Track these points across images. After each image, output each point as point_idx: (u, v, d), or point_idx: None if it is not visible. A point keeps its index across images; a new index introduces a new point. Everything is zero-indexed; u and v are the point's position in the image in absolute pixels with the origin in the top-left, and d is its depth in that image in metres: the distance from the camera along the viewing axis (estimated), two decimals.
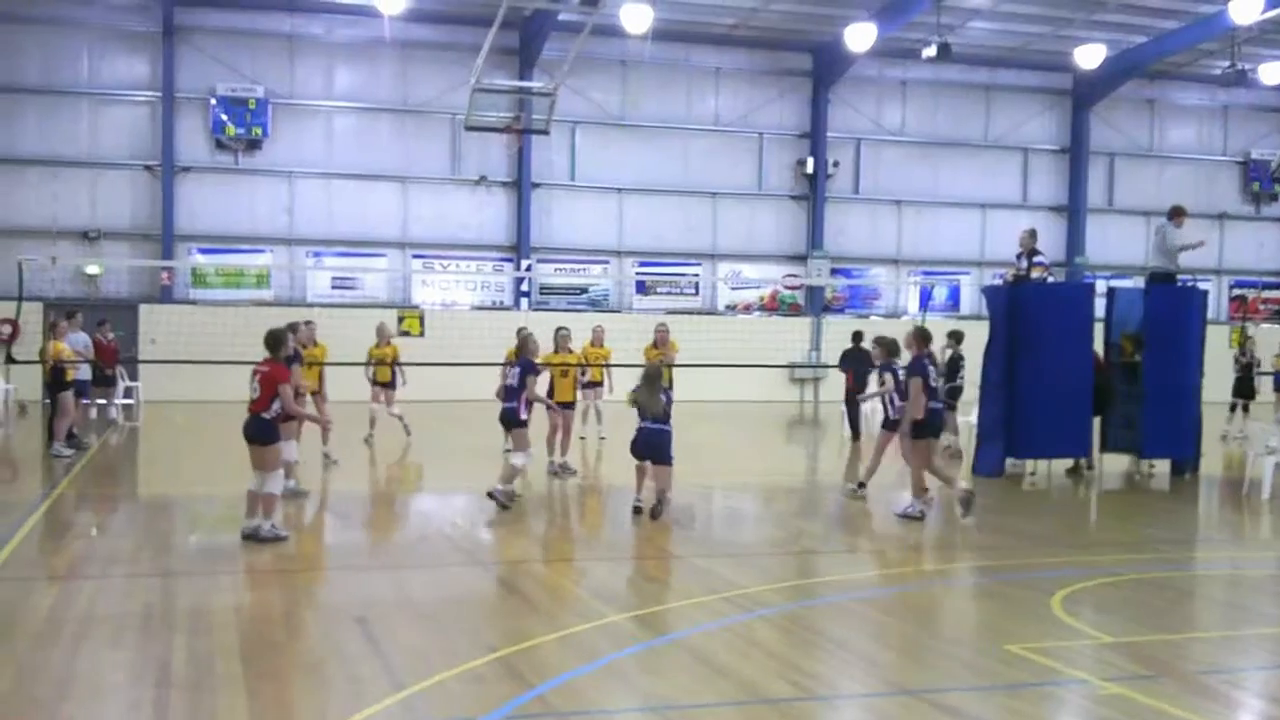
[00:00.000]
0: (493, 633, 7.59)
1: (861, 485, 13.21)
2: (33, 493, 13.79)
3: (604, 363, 18.74)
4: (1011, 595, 8.96)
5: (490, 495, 12.17)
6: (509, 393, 12.73)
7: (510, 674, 6.58)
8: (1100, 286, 16.96)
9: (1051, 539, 11.69)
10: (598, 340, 18.88)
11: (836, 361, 20.63)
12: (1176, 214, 16.06)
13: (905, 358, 12.63)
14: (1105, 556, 11.01)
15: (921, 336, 12.48)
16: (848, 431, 20.19)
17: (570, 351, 15.83)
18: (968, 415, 17.60)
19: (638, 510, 11.87)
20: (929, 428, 12.22)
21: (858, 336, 20.18)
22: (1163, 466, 16.15)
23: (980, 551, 10.99)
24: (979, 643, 7.55)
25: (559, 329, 15.83)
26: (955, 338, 18.03)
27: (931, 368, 12.41)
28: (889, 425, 12.81)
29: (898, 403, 12.47)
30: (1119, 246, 33.69)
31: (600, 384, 18.99)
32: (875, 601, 8.74)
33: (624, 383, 18.75)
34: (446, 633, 7.64)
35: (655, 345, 17.74)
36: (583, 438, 18.61)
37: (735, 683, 6.56)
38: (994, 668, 6.88)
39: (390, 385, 17.97)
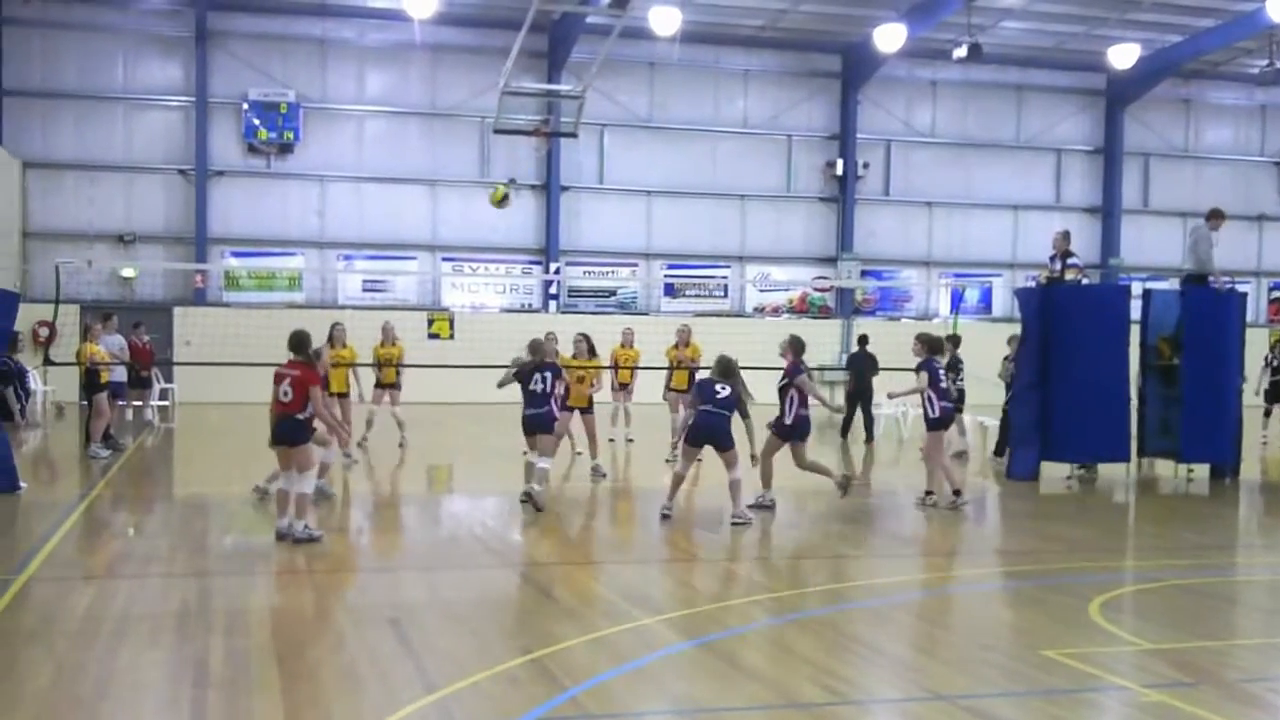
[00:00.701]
0: (525, 634, 7.58)
1: (957, 493, 12.94)
2: (70, 493, 13.88)
3: (633, 365, 18.73)
4: (1048, 600, 8.85)
5: (527, 496, 12.27)
6: (537, 399, 12.68)
7: (543, 676, 6.57)
8: (1136, 289, 16.80)
9: (1089, 543, 11.57)
10: (628, 342, 18.89)
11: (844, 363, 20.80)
12: (1214, 217, 15.88)
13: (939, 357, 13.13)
14: (1144, 561, 10.99)
15: (927, 342, 12.98)
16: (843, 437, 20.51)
17: (594, 356, 15.80)
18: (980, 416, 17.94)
19: (666, 517, 11.72)
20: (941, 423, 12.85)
21: (864, 340, 20.54)
22: (1202, 471, 15.99)
23: (1016, 556, 10.91)
24: (1015, 648, 7.45)
25: (578, 336, 15.87)
26: (953, 341, 17.74)
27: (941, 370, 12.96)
28: (933, 425, 12.90)
29: (937, 401, 12.67)
30: (1154, 248, 33.42)
31: (629, 386, 19.00)
32: (909, 606, 8.68)
33: (650, 385, 18.84)
34: (479, 634, 7.64)
35: (676, 346, 17.78)
36: (611, 440, 18.61)
37: (767, 687, 6.52)
38: (1031, 673, 6.79)
39: (395, 386, 17.88)
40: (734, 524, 11.46)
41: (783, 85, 32.13)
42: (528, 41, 20.87)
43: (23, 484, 13.21)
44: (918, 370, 12.92)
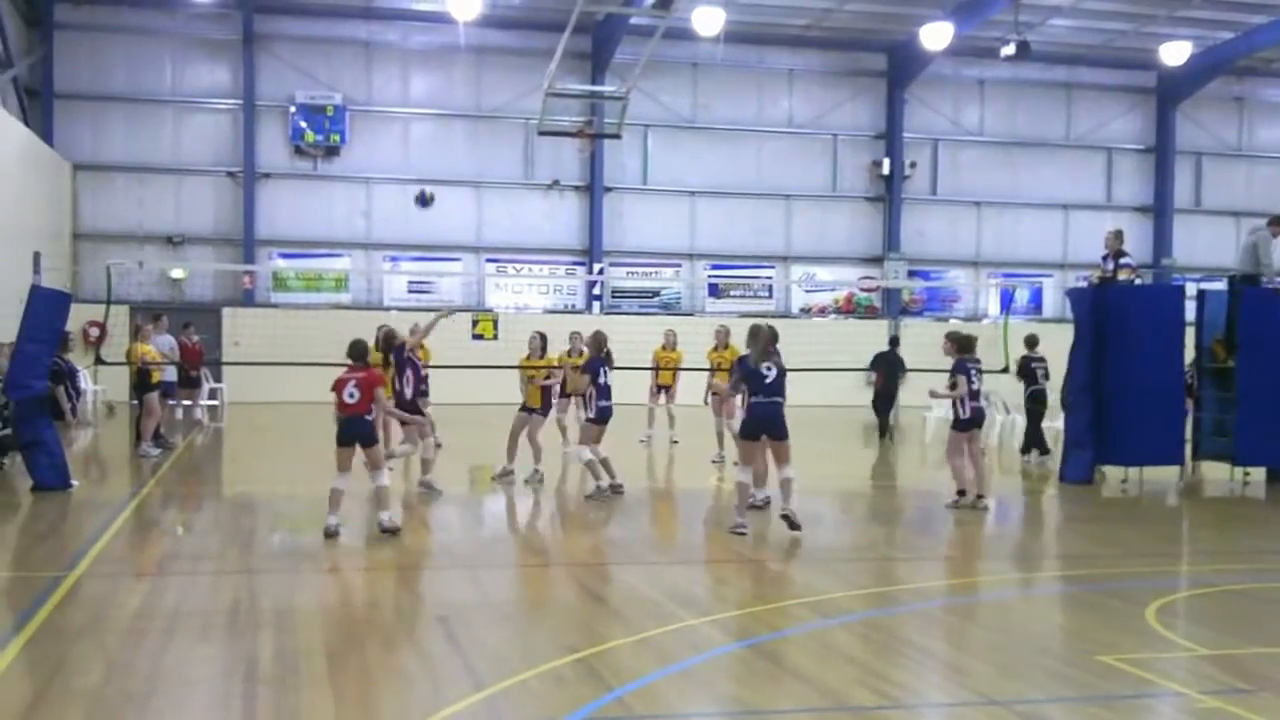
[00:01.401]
0: (571, 634, 7.57)
1: (980, 497, 12.96)
2: (121, 491, 14.02)
3: (675, 366, 18.65)
4: (1102, 605, 8.75)
5: (607, 490, 12.89)
6: (607, 392, 13.18)
7: (590, 675, 6.55)
8: (1189, 289, 16.58)
9: (1144, 547, 11.44)
10: (669, 344, 18.80)
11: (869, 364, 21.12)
12: (1277, 223, 15.60)
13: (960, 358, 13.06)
14: (1200, 566, 10.86)
15: (958, 342, 13.00)
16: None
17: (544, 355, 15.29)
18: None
19: (741, 533, 11.04)
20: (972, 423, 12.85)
21: (894, 341, 20.92)
22: (1258, 474, 15.78)
23: (1070, 560, 10.79)
24: (1070, 653, 7.37)
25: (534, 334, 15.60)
26: (1028, 343, 17.92)
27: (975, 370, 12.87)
28: (960, 426, 12.87)
29: (968, 402, 12.73)
30: (1207, 248, 32.98)
31: (671, 387, 18.90)
32: (960, 609, 8.59)
33: (690, 387, 18.76)
34: (526, 633, 7.67)
35: (716, 348, 17.42)
36: (642, 441, 18.85)
37: (816, 689, 6.46)
38: (1085, 679, 6.70)
39: (424, 392, 17.71)
40: (783, 517, 10.97)
41: (828, 84, 31.99)
42: (571, 43, 20.98)
43: (74, 482, 13.39)
44: (953, 372, 12.90)
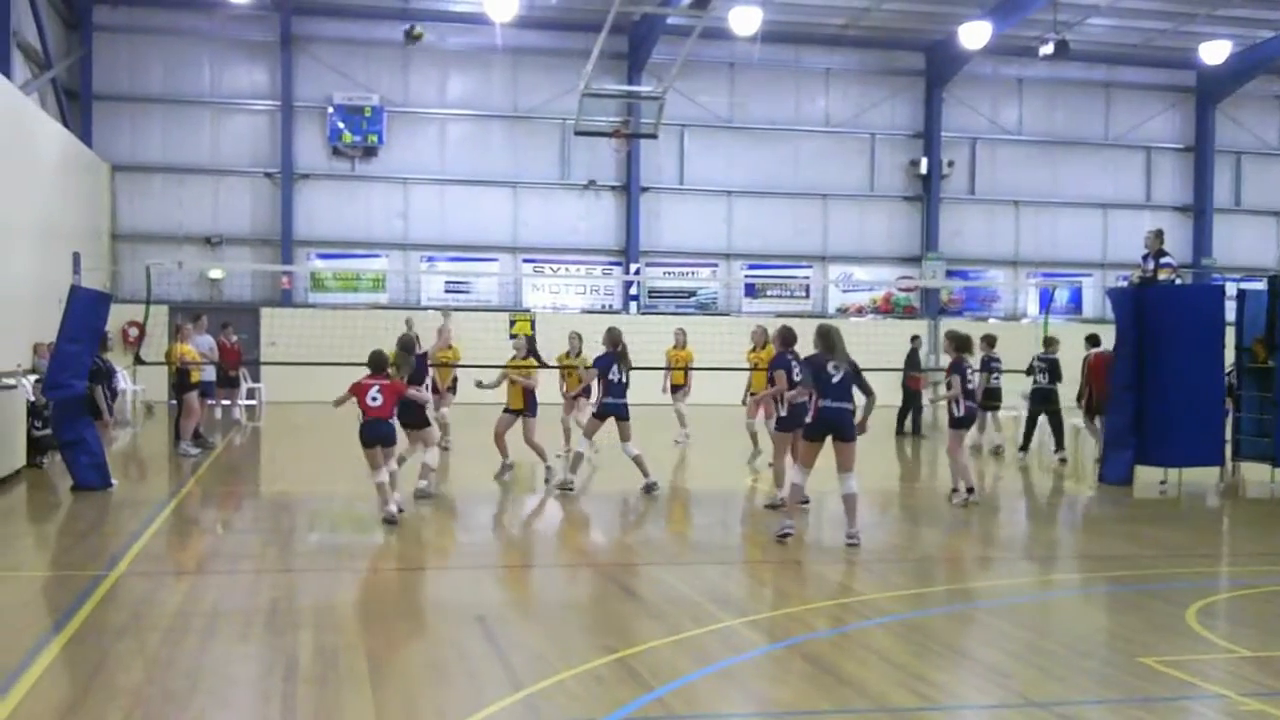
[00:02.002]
0: (609, 634, 7.58)
1: (970, 490, 13.18)
2: (161, 491, 14.16)
3: (686, 365, 18.58)
4: (1143, 606, 8.69)
5: (571, 486, 13.33)
6: (618, 389, 13.39)
7: (629, 675, 6.56)
8: (1229, 289, 16.41)
9: (1184, 549, 11.34)
10: (680, 343, 18.72)
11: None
12: None
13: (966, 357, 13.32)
14: (1241, 567, 10.76)
15: (956, 341, 13.23)
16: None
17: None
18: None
19: (786, 537, 10.89)
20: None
21: (916, 339, 21.55)
22: None
23: (1109, 561, 10.70)
24: (1110, 655, 7.32)
25: (571, 334, 16.02)
26: (989, 341, 17.91)
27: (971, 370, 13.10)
28: (956, 424, 13.12)
29: (963, 401, 12.95)
30: (1247, 248, 32.70)
31: (683, 387, 18.82)
32: (1000, 611, 8.53)
33: (726, 387, 18.73)
34: (564, 633, 7.68)
35: (755, 349, 16.95)
36: (679, 440, 18.91)
37: (856, 691, 6.44)
38: (1126, 680, 6.67)
39: (451, 389, 17.66)
40: (849, 544, 10.62)
41: (865, 84, 31.90)
42: (608, 43, 21.00)
43: (113, 481, 13.51)
44: (949, 371, 13.10)
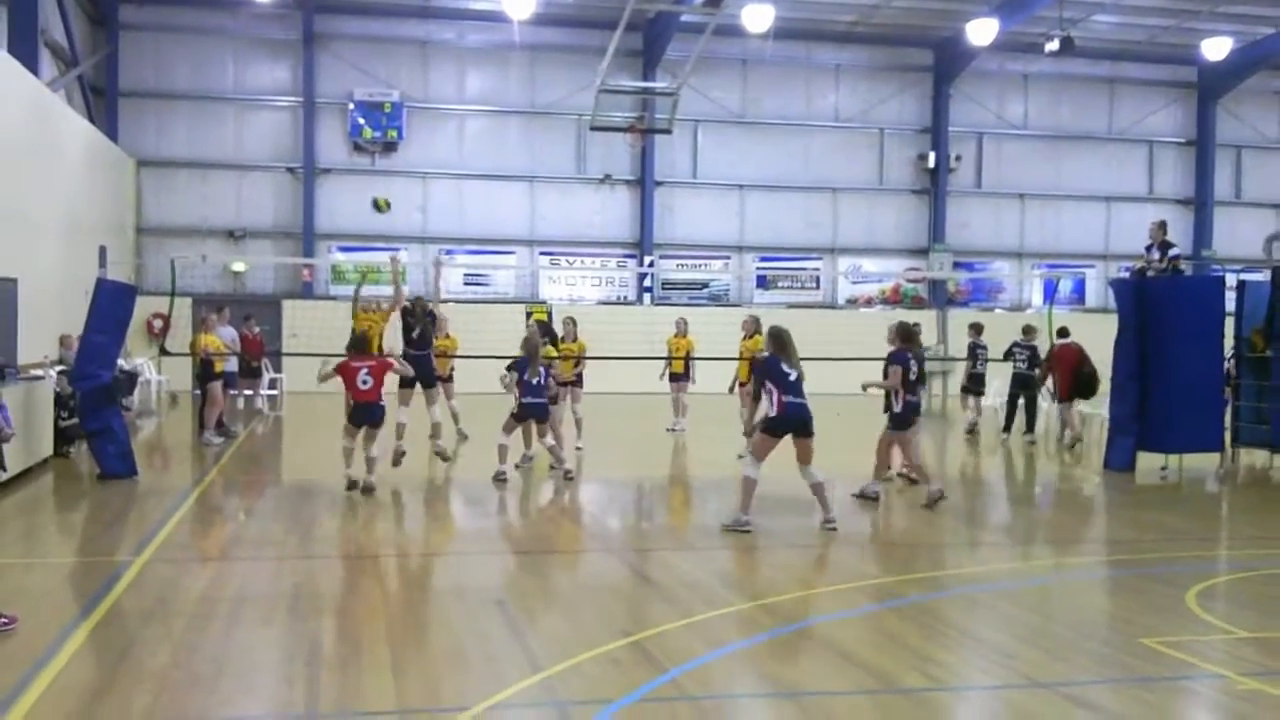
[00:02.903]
0: (625, 617, 7.68)
1: (876, 497, 12.78)
2: (184, 479, 14.31)
3: (687, 354, 18.64)
4: (1144, 589, 8.82)
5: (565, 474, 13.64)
6: (534, 389, 13.61)
7: (644, 658, 6.65)
8: (1229, 280, 16.58)
9: (1184, 533, 11.46)
10: (681, 331, 18.80)
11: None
12: None
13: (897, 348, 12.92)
14: (1239, 551, 10.85)
15: (901, 332, 12.65)
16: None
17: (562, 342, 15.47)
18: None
19: (831, 528, 11.00)
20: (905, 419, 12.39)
21: (915, 328, 20.92)
22: None
23: (1112, 545, 10.83)
24: (1112, 636, 7.43)
25: (564, 319, 15.91)
26: (976, 329, 19.44)
27: (914, 362, 12.43)
28: (895, 423, 12.60)
29: (903, 395, 12.44)
30: (1247, 240, 32.75)
31: (684, 376, 18.89)
32: (1006, 594, 8.63)
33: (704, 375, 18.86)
34: (581, 617, 7.75)
35: (747, 337, 17.18)
36: (671, 429, 19.03)
37: (866, 671, 6.54)
38: (1127, 661, 6.78)
39: (449, 379, 17.69)
40: (827, 529, 10.77)
41: (874, 80, 32.03)
42: (623, 40, 21.16)
43: (138, 470, 13.67)
44: (889, 363, 12.51)
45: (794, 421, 10.67)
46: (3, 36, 21.05)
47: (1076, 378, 17.89)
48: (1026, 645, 7.21)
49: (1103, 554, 10.54)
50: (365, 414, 12.25)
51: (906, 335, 12.71)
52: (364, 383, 11.78)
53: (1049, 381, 18.63)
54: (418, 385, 14.80)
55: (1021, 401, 19.03)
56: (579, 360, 16.48)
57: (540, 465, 14.83)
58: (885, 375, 12.53)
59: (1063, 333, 18.13)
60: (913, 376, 12.41)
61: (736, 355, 17.38)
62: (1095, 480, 15.07)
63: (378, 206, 14.99)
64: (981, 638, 7.42)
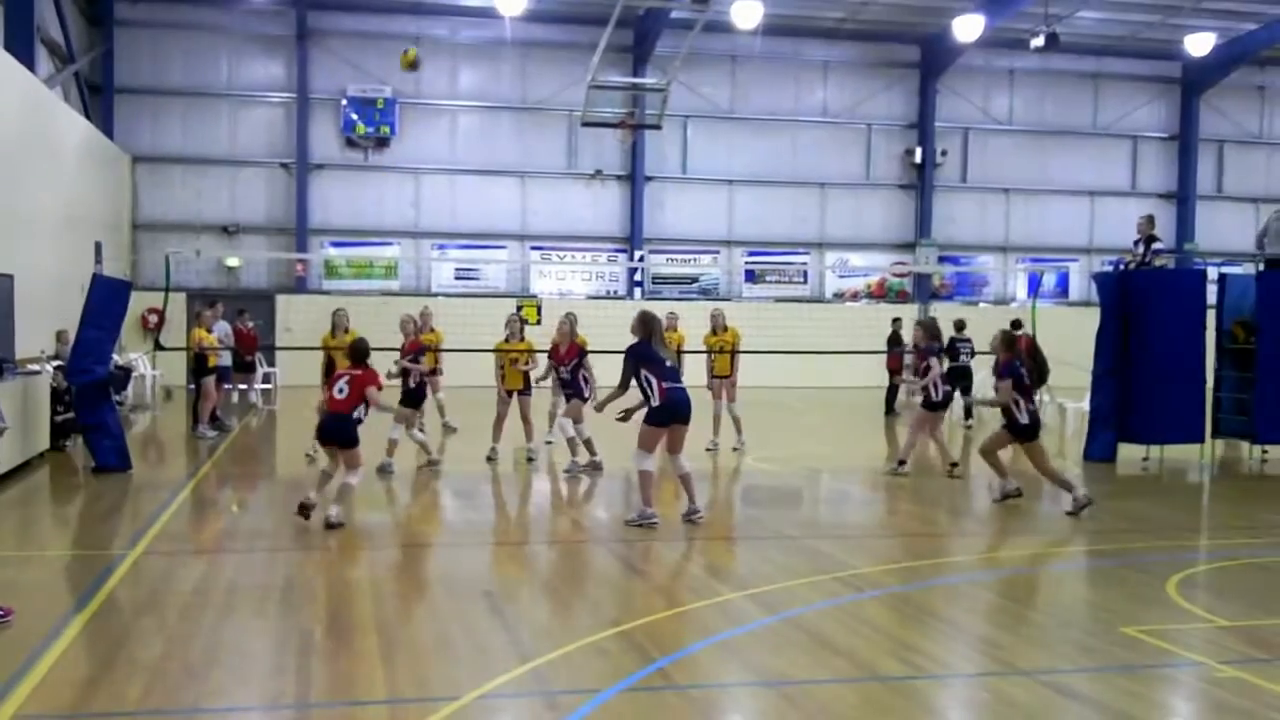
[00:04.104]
0: (612, 608, 7.75)
1: (902, 463, 13.89)
2: (179, 472, 14.33)
3: (678, 348, 18.68)
4: (1125, 578, 8.90)
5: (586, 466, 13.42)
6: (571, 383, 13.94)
7: (632, 648, 6.72)
8: (1211, 273, 16.72)
9: (1165, 523, 11.55)
10: (671, 325, 18.89)
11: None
12: None
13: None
14: (1220, 540, 10.95)
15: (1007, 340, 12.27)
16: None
17: (522, 340, 15.03)
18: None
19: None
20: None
21: (897, 322, 22.21)
22: (1276, 452, 15.98)
23: (1093, 535, 10.91)
24: (1093, 625, 7.50)
25: (511, 316, 15.47)
26: (958, 325, 20.20)
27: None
28: (931, 406, 13.63)
29: (943, 387, 13.46)
30: (1229, 233, 33.07)
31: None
32: (987, 583, 8.71)
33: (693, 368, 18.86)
34: (569, 607, 7.84)
35: (714, 332, 17.24)
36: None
37: (849, 660, 6.60)
38: (1109, 649, 6.84)
39: (435, 372, 17.68)
40: (691, 519, 10.68)
41: (862, 76, 32.16)
42: (614, 37, 21.20)
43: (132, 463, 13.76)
44: (999, 376, 12.43)
45: (682, 408, 10.36)
46: None
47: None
48: (1008, 634, 7.28)
49: (1084, 543, 10.60)
50: (330, 427, 10.52)
51: (1010, 343, 12.11)
52: (340, 391, 10.40)
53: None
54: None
55: (958, 392, 19.55)
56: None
57: (523, 457, 14.91)
58: (925, 370, 13.40)
59: (1016, 324, 18.13)
60: (1026, 382, 11.90)
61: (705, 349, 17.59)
62: (1076, 471, 15.12)
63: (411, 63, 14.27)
64: (963, 626, 7.49)
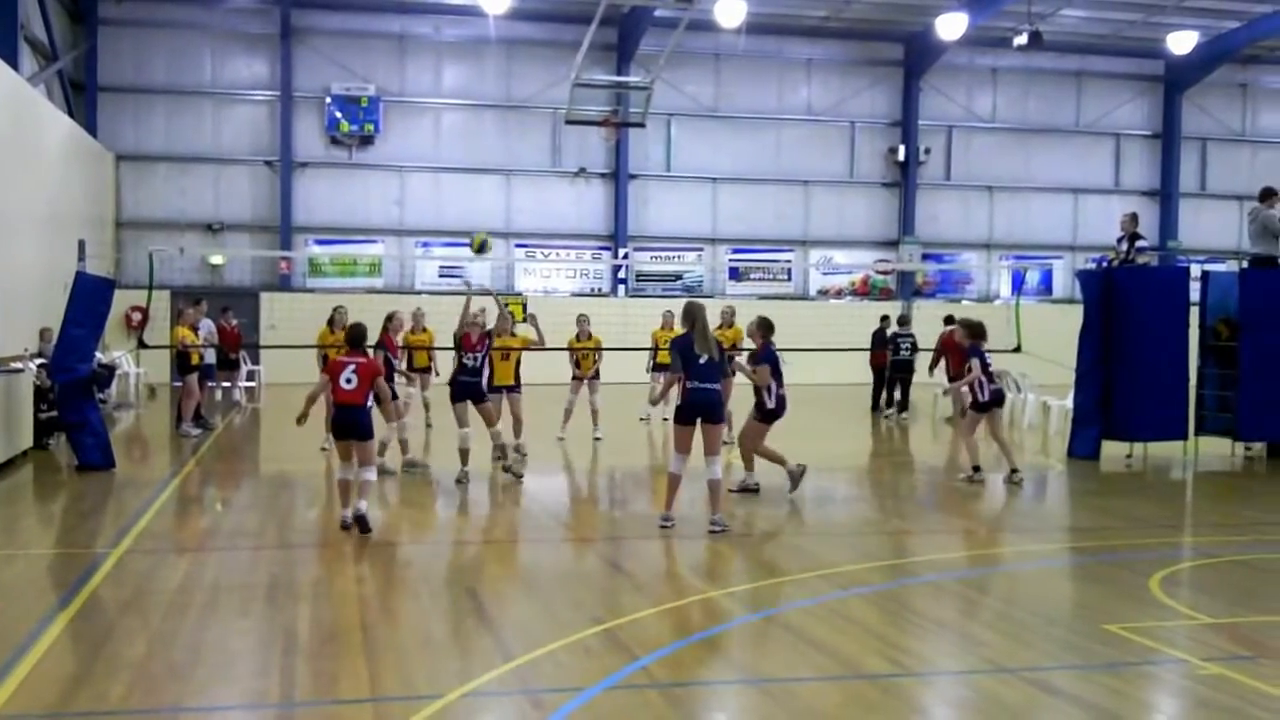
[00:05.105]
0: (596, 606, 7.74)
1: (976, 469, 13.36)
2: (162, 470, 14.29)
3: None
4: (1109, 576, 8.93)
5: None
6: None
7: (615, 646, 6.73)
8: (1194, 271, 16.82)
9: (1148, 520, 11.60)
10: (667, 324, 18.97)
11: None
12: (1269, 195, 15.83)
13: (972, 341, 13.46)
14: (1203, 538, 10.98)
15: (764, 326, 12.09)
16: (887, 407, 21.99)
17: (514, 335, 14.88)
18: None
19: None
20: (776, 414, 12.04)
21: (885, 319, 22.55)
22: (1259, 449, 16.10)
23: (1076, 532, 10.95)
24: (1076, 622, 7.52)
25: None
26: (901, 321, 21.31)
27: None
28: (979, 408, 13.32)
29: (989, 385, 13.14)
30: (1211, 231, 33.26)
31: (668, 368, 18.97)
32: (971, 581, 8.74)
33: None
34: (552, 605, 7.81)
35: (720, 327, 17.21)
36: (643, 419, 19.15)
37: (833, 658, 6.61)
38: (1092, 647, 6.86)
39: (426, 371, 17.99)
40: (712, 530, 10.27)
41: (846, 74, 32.22)
42: (598, 35, 21.20)
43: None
44: (968, 356, 13.48)
45: (699, 408, 10.17)
46: None
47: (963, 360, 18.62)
48: (992, 631, 7.29)
49: (1068, 541, 10.66)
50: (346, 419, 10.13)
51: (976, 332, 13.31)
52: (348, 382, 10.02)
53: (941, 364, 19.54)
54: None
55: (898, 385, 21.34)
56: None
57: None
58: (968, 370, 13.31)
59: (949, 320, 19.41)
60: (990, 366, 13.19)
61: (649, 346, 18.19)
62: (1060, 468, 15.23)
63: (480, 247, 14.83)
64: (948, 624, 7.51)
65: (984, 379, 13.13)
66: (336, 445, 10.36)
